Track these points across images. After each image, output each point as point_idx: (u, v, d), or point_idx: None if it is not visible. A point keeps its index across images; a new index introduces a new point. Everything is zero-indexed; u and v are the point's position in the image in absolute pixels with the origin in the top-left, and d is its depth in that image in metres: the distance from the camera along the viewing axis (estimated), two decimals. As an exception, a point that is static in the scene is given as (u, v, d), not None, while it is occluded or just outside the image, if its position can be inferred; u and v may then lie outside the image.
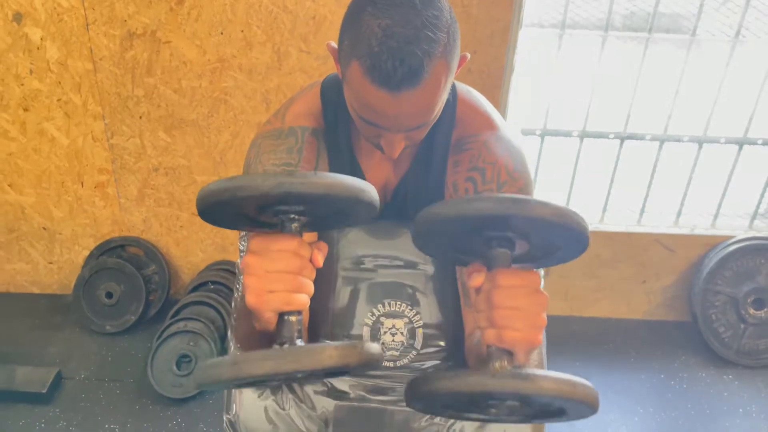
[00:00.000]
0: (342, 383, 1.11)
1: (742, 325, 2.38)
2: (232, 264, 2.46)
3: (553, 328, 2.38)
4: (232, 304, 1.20)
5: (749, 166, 2.48)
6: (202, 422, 2.04)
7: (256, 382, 0.88)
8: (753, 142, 2.38)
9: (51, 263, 2.50)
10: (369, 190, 0.78)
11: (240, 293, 1.17)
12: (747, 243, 2.36)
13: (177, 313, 2.26)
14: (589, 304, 2.56)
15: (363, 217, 0.86)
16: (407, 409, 1.10)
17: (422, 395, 0.77)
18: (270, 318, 0.78)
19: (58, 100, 2.17)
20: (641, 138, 2.37)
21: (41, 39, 2.07)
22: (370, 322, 1.13)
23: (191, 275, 2.50)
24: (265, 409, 1.15)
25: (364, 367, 0.78)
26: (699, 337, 2.43)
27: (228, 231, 2.41)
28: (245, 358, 0.70)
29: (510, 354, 0.77)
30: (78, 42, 2.08)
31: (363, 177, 1.11)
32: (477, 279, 0.80)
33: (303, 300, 0.79)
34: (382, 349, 1.11)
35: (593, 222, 2.46)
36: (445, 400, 0.80)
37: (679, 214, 2.47)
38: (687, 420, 2.15)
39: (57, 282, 2.54)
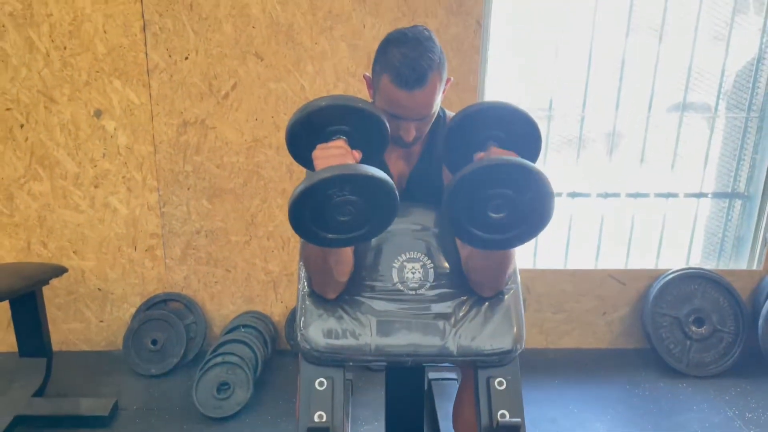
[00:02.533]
0: (380, 304, 1.56)
1: (688, 342, 2.85)
2: (259, 312, 2.90)
3: (533, 358, 2.86)
4: (298, 290, 1.65)
5: (679, 213, 3.08)
6: (242, 434, 2.40)
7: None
8: (675, 195, 3.00)
9: (101, 321, 2.90)
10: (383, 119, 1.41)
11: (304, 283, 1.61)
12: (682, 272, 2.90)
13: (215, 350, 2.65)
14: (561, 336, 3.02)
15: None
16: (426, 318, 1.56)
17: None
18: None
19: (123, 177, 2.72)
20: (587, 195, 2.98)
21: (114, 129, 2.66)
22: (396, 266, 1.61)
23: (222, 325, 2.92)
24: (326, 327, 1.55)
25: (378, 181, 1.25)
26: (656, 355, 2.89)
27: (254, 284, 2.88)
28: (311, 175, 1.22)
29: None
30: (144, 130, 2.67)
31: (388, 168, 1.66)
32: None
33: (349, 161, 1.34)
34: (406, 280, 1.59)
35: (558, 263, 3.00)
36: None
37: (627, 254, 3.02)
38: (650, 416, 2.55)
39: (105, 339, 2.93)
